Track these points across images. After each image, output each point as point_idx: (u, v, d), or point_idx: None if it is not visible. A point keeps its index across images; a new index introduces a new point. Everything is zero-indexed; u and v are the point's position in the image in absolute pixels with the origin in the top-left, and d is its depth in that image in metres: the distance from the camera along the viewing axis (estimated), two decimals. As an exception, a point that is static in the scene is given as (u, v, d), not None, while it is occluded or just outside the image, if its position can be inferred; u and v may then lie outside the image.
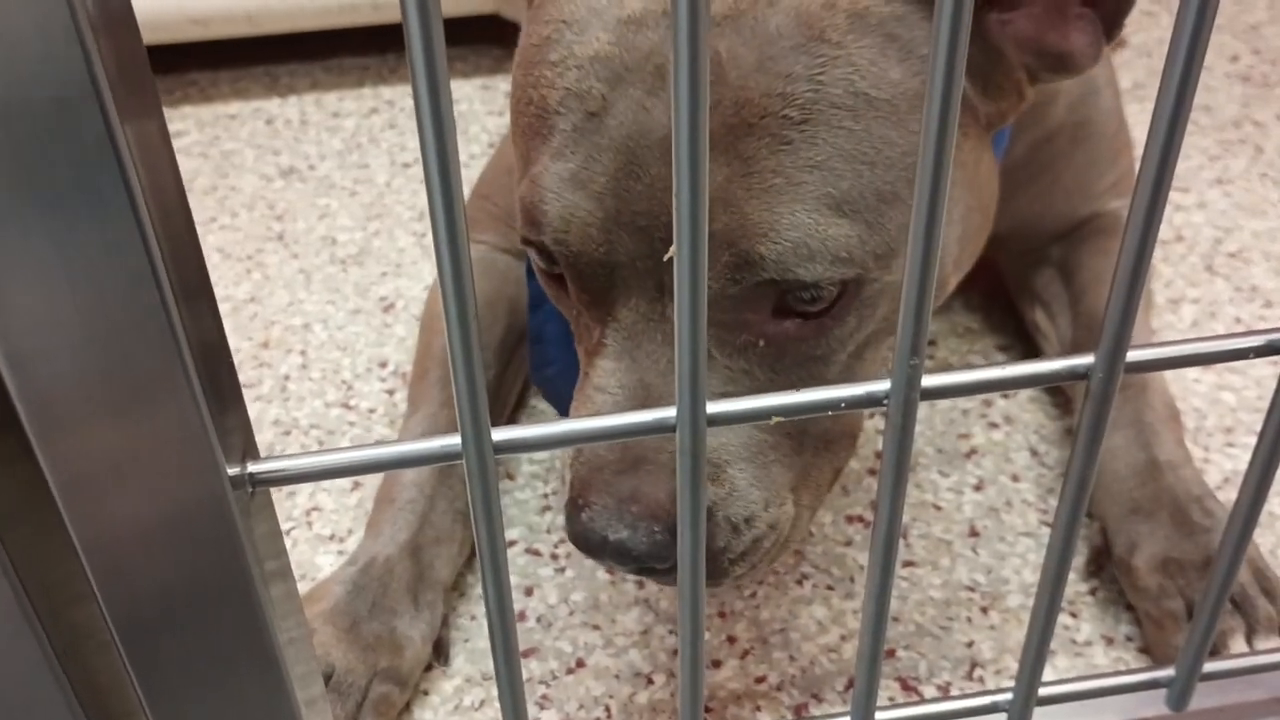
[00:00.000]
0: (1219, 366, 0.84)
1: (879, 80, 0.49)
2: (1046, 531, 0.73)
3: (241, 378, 0.86)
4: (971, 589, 0.70)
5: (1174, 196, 1.02)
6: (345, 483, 0.78)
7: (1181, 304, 0.90)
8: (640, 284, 0.51)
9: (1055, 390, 0.83)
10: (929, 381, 0.35)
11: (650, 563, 0.51)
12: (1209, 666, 0.47)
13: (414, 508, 0.68)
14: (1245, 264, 0.94)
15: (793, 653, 0.67)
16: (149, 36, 0.29)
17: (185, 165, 1.12)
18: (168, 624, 0.34)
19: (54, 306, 0.27)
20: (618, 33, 0.50)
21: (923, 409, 0.82)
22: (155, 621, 0.34)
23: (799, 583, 0.71)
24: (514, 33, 0.60)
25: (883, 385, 0.35)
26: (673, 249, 0.31)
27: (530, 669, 0.66)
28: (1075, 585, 0.70)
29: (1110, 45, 0.53)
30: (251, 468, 0.34)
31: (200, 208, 1.06)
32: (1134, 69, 1.20)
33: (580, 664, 0.67)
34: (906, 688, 0.65)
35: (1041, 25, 0.52)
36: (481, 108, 1.19)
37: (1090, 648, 0.66)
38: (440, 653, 0.67)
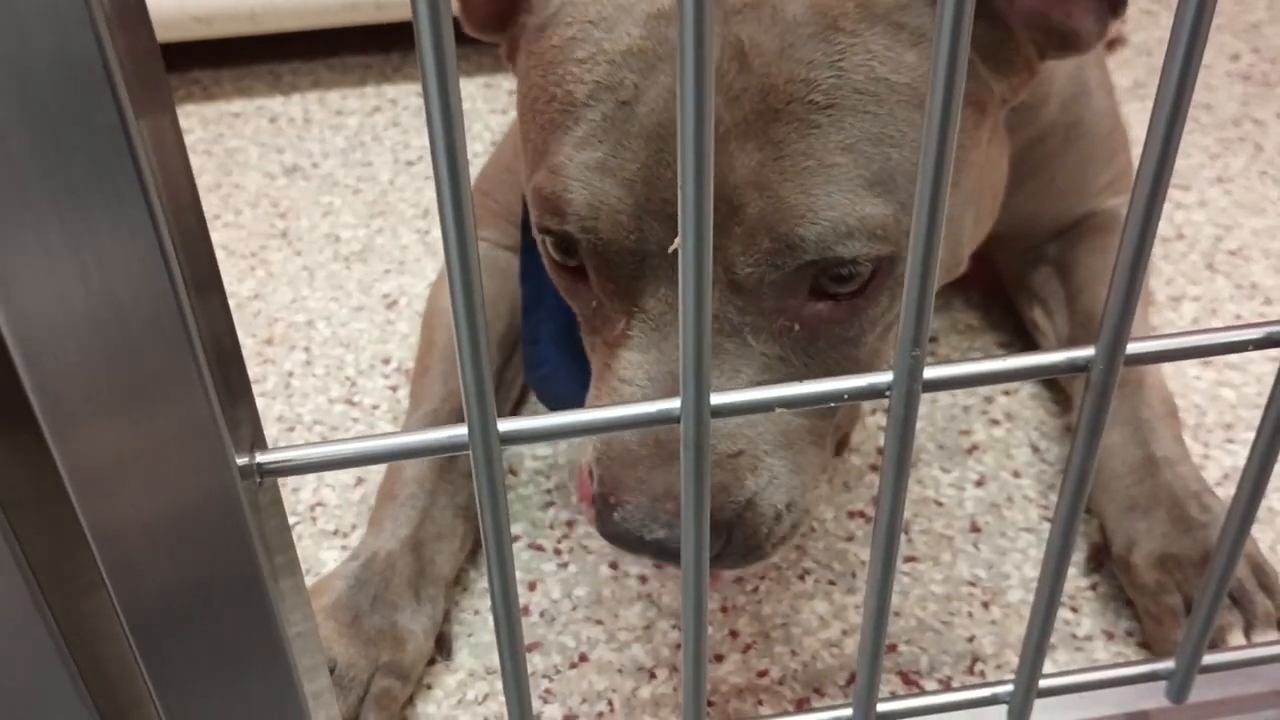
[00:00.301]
0: (1218, 363, 0.85)
1: (897, 65, 0.50)
2: (1047, 527, 0.73)
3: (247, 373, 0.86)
4: (973, 584, 0.70)
5: (1174, 194, 1.02)
6: (349, 478, 0.79)
7: (1182, 301, 0.91)
8: (669, 273, 0.51)
9: (1056, 387, 0.84)
10: (931, 373, 0.36)
11: None
12: (1208, 659, 0.47)
13: (415, 503, 0.69)
14: (1245, 261, 0.94)
15: (795, 647, 0.67)
16: (153, 34, 0.30)
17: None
18: (177, 615, 0.34)
19: (66, 297, 0.28)
20: (649, 27, 0.50)
21: (924, 404, 0.82)
22: (164, 612, 0.34)
23: (801, 578, 0.71)
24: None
25: (885, 377, 0.36)
26: (677, 240, 0.31)
27: (534, 663, 0.67)
28: (1076, 580, 0.70)
29: (1115, 20, 0.53)
30: (260, 458, 0.34)
31: (204, 205, 1.06)
32: (1134, 67, 1.21)
33: (583, 658, 0.67)
34: (908, 682, 0.65)
35: (1047, 1, 0.52)
36: (484, 106, 1.19)
37: (1091, 642, 0.67)
38: (443, 647, 0.67)
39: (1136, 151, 0.66)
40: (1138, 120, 1.05)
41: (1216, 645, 0.61)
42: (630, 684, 0.66)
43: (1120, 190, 0.82)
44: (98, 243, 0.27)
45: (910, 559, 0.72)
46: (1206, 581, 0.45)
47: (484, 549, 0.36)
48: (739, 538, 0.53)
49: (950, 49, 0.29)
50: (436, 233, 1.00)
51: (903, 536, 0.73)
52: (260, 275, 0.98)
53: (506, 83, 1.23)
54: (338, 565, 0.68)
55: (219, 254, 1.00)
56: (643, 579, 0.71)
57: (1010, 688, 0.46)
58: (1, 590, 0.32)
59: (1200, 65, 0.32)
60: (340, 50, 1.28)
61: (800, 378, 0.46)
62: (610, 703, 0.65)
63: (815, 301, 0.52)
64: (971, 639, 0.67)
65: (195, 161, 1.12)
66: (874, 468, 0.78)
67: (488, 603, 0.69)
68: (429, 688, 0.66)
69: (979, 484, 0.77)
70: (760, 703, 0.64)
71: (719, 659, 0.67)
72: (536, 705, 0.65)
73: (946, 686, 0.65)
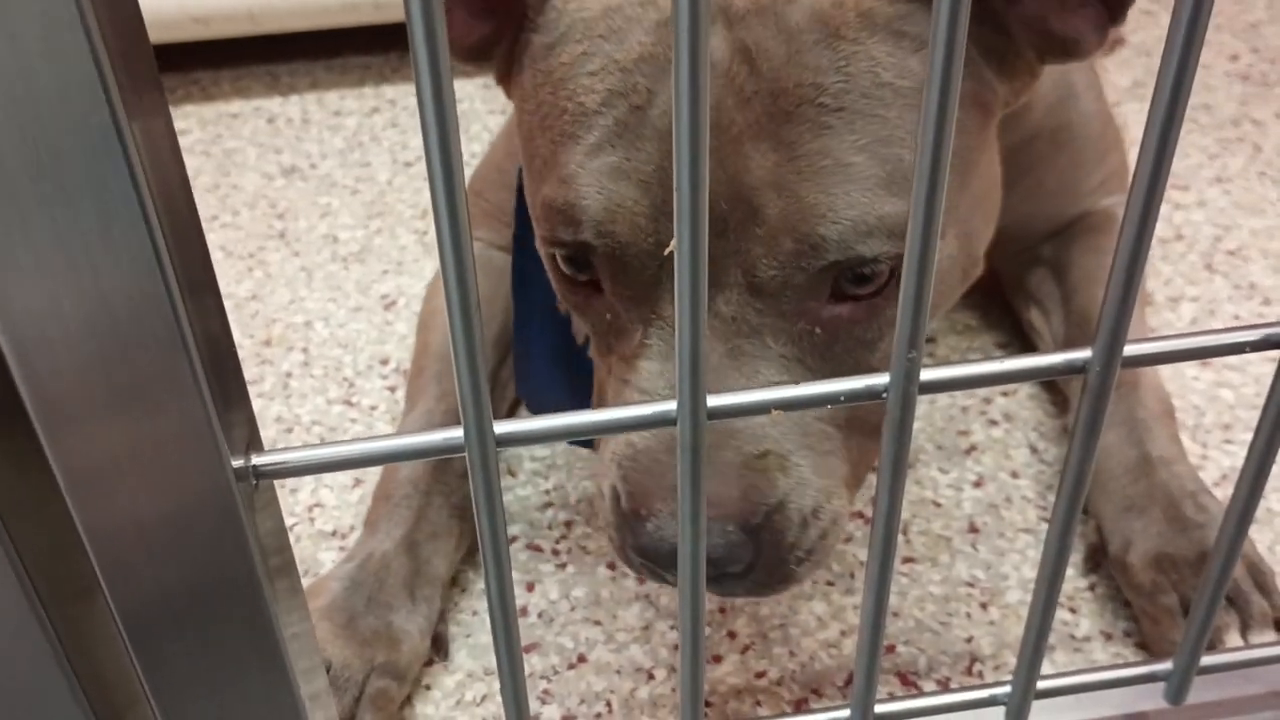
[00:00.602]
0: (1217, 364, 0.85)
1: (901, 71, 0.50)
2: (1045, 528, 0.73)
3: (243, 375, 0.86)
4: (971, 585, 0.70)
5: (1173, 195, 1.02)
6: (347, 479, 0.79)
7: (1181, 302, 0.91)
8: None
9: (1054, 388, 0.84)
10: (928, 375, 0.36)
11: (728, 566, 0.50)
12: (1206, 660, 0.47)
13: (410, 504, 0.69)
14: (1244, 262, 0.94)
15: (793, 648, 0.67)
16: (151, 35, 0.30)
17: (187, 163, 1.11)
18: (173, 617, 0.34)
19: (60, 299, 0.28)
20: (658, 33, 0.50)
21: (922, 405, 0.82)
22: (160, 614, 0.34)
23: (799, 579, 0.71)
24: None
25: (882, 379, 0.35)
26: (673, 243, 0.31)
27: (532, 664, 0.67)
28: (1074, 581, 0.70)
29: (1115, 27, 0.53)
30: (255, 460, 0.34)
31: (202, 206, 1.06)
32: (1133, 67, 1.21)
33: (581, 659, 0.67)
34: (906, 683, 0.65)
35: (1047, 7, 0.52)
36: (482, 106, 1.19)
37: (1089, 643, 0.67)
38: (439, 648, 0.67)
39: (1134, 152, 0.66)
40: (1136, 121, 1.05)
41: (1213, 646, 0.61)
42: (628, 685, 0.66)
43: (1114, 190, 0.82)
44: (90, 244, 0.27)
45: (908, 560, 0.72)
46: (1204, 582, 0.45)
47: (480, 549, 0.36)
48: (766, 542, 0.51)
49: (947, 48, 0.29)
50: (435, 234, 1.00)
51: (901, 537, 0.73)
52: (258, 276, 0.98)
53: (505, 83, 1.23)
54: (333, 566, 0.67)
55: (217, 255, 1.00)
56: (640, 579, 0.71)
57: (1008, 689, 0.46)
58: (-4, 592, 0.32)
59: (1197, 65, 0.31)
60: (339, 51, 1.28)
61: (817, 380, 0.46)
62: (608, 703, 0.65)
63: (835, 304, 0.51)
64: (969, 640, 0.67)
65: (193, 162, 1.12)
66: (871, 469, 0.78)
67: (485, 603, 0.69)
68: (427, 689, 0.66)
69: (977, 485, 0.77)
70: (758, 703, 0.64)
71: (717, 660, 0.67)
72: (534, 706, 0.65)
73: (944, 687, 0.65)
